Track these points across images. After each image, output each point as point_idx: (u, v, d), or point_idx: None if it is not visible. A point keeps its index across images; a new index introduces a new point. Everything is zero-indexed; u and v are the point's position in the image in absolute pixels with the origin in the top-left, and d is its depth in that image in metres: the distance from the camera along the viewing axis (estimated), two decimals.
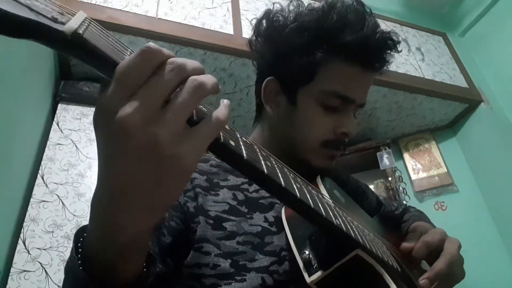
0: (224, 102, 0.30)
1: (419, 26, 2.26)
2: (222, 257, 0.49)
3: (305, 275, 0.44)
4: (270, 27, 0.64)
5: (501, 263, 1.82)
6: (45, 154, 1.30)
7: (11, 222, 1.13)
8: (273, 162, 0.35)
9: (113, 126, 0.25)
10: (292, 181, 0.36)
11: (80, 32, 0.25)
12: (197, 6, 1.62)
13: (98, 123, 0.27)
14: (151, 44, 0.26)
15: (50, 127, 1.37)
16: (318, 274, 0.42)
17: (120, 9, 1.45)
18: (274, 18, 0.64)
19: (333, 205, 0.44)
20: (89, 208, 0.30)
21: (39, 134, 1.35)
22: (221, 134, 0.29)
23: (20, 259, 1.09)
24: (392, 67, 2.19)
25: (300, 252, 0.46)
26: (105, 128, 0.26)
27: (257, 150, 0.34)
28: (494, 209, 1.95)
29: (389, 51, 0.62)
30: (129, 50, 0.28)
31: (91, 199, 0.30)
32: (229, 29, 1.62)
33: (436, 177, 2.12)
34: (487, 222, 1.94)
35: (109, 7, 1.44)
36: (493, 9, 2.12)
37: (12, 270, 1.07)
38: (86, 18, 0.27)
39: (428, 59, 2.10)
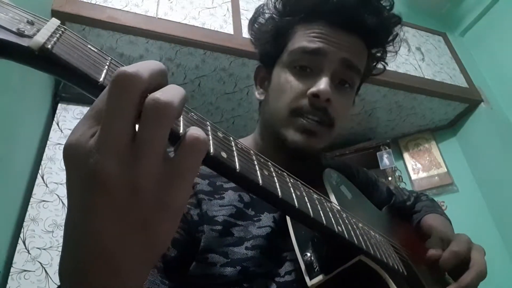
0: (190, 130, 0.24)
1: (419, 26, 2.25)
2: (230, 265, 0.46)
3: (306, 278, 0.43)
4: (255, 16, 0.65)
5: (501, 263, 1.82)
6: (45, 154, 1.29)
7: (11, 222, 1.13)
8: (271, 169, 0.33)
9: (85, 176, 0.21)
10: (292, 189, 0.34)
11: (49, 46, 0.22)
12: (197, 6, 1.62)
13: (67, 166, 0.23)
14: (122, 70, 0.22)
15: (50, 127, 1.37)
16: (320, 278, 0.42)
17: (120, 9, 1.45)
18: (261, 10, 0.65)
19: (336, 209, 0.43)
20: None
21: (39, 134, 1.35)
22: (211, 145, 0.26)
23: (20, 259, 1.09)
24: (392, 67, 2.20)
25: (302, 253, 0.45)
26: (76, 176, 0.22)
27: (254, 158, 0.32)
28: (494, 209, 1.95)
29: (360, 9, 0.57)
30: (108, 60, 0.25)
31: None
32: (229, 29, 1.62)
33: (436, 177, 2.12)
34: (487, 222, 1.94)
35: (109, 7, 1.43)
36: (493, 9, 2.12)
37: (12, 270, 1.07)
38: (58, 27, 0.24)
39: (428, 59, 2.09)
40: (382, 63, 0.66)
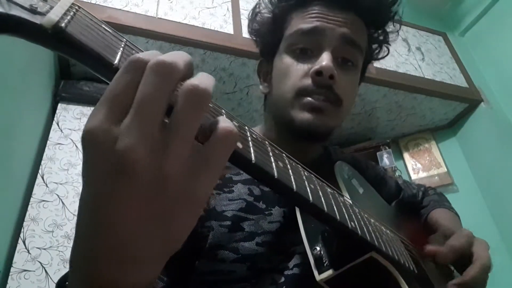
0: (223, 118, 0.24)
1: (419, 25, 2.25)
2: (240, 261, 0.45)
3: (315, 272, 0.42)
4: (253, 13, 0.66)
5: (501, 263, 1.82)
6: (45, 154, 1.29)
7: (11, 222, 1.12)
8: (286, 161, 0.32)
9: (112, 161, 0.21)
10: (306, 182, 0.34)
11: (62, 25, 0.21)
12: (197, 5, 1.62)
13: (90, 152, 0.21)
14: (138, 55, 0.22)
15: (50, 126, 1.37)
16: (329, 272, 0.41)
17: (120, 9, 1.44)
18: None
19: (349, 203, 0.42)
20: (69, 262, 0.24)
21: (39, 134, 1.35)
22: None
23: (20, 258, 1.09)
24: (392, 67, 2.19)
25: (312, 247, 0.44)
26: (100, 162, 0.21)
27: (269, 148, 0.31)
28: (494, 209, 1.94)
29: None
30: (123, 41, 0.25)
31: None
32: (229, 29, 1.62)
33: (436, 177, 2.12)
34: (487, 222, 1.94)
35: (109, 6, 1.43)
36: (493, 9, 2.12)
37: (12, 270, 1.06)
38: (72, 5, 0.23)
39: (428, 59, 2.09)
40: (385, 45, 0.66)
